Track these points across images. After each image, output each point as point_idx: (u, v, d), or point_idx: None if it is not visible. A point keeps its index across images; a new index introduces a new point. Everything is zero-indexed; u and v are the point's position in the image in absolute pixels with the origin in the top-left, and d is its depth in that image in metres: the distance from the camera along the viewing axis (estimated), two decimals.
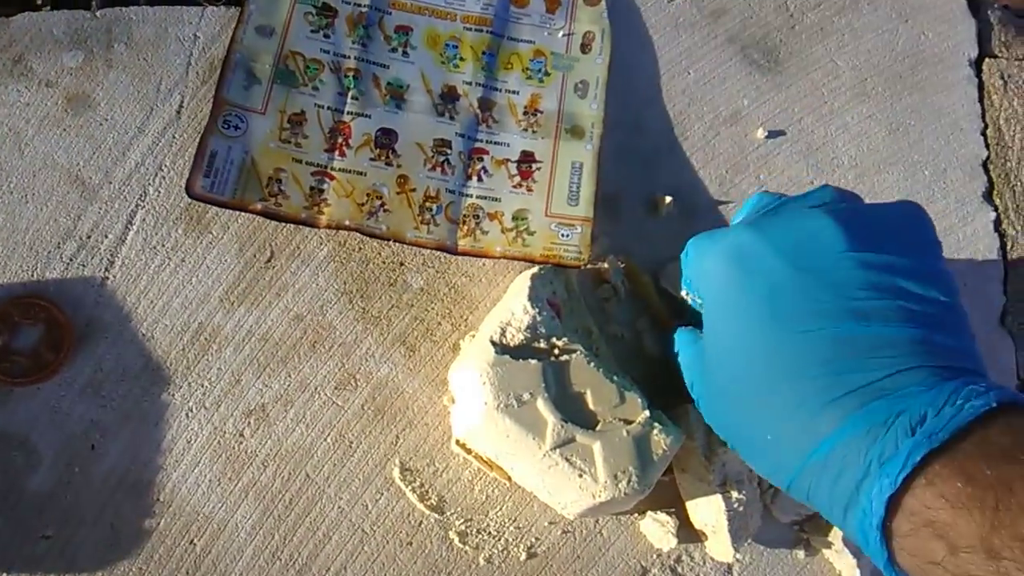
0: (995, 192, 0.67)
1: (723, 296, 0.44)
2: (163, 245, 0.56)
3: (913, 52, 0.69)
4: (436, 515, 0.54)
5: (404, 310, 0.57)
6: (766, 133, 0.65)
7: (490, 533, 0.55)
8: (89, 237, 0.55)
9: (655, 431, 0.50)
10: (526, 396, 0.49)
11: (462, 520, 0.55)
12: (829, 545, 0.56)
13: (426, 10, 0.62)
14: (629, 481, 0.49)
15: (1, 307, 0.53)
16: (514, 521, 0.55)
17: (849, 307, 0.39)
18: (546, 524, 0.55)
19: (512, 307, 0.52)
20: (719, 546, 0.54)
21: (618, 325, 0.59)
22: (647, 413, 0.50)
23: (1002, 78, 0.69)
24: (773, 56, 0.66)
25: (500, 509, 0.55)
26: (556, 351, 0.51)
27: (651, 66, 0.65)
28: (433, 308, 0.58)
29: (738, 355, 0.42)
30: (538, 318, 0.51)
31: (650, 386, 0.56)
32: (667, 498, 0.56)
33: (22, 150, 0.56)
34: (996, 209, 0.66)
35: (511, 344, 0.51)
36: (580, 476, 0.49)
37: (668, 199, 0.61)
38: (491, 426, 0.49)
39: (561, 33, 0.63)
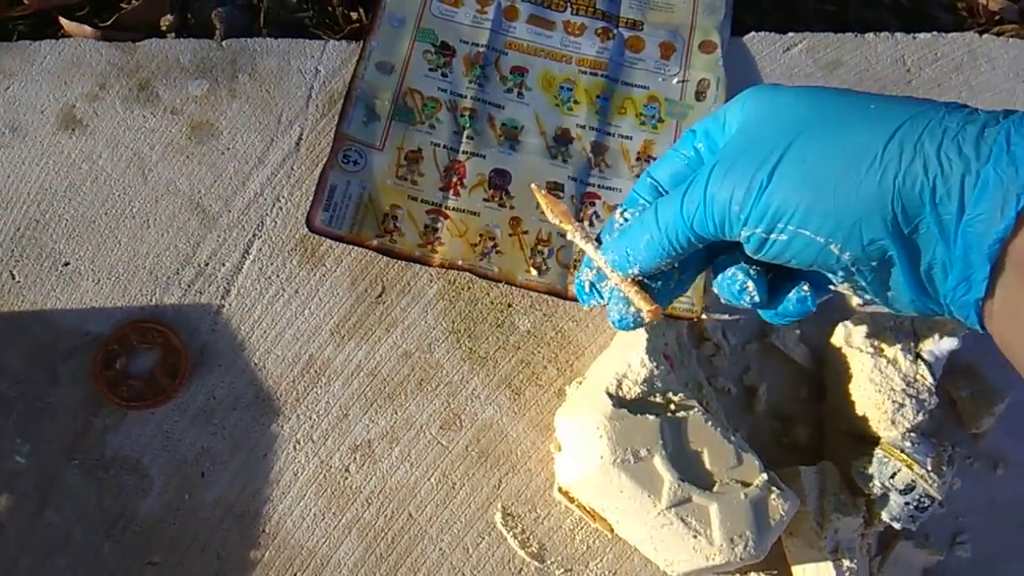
0: None
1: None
2: (278, 276, 0.56)
3: None
4: (537, 563, 0.54)
5: (511, 352, 0.57)
6: None
7: None
8: (207, 264, 0.56)
9: (773, 495, 0.49)
10: (643, 452, 0.48)
11: (563, 570, 0.54)
12: None
13: (542, 52, 0.62)
14: (746, 546, 0.48)
15: (120, 331, 0.54)
16: (614, 574, 0.54)
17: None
18: None
19: (629, 359, 0.51)
20: None
21: (725, 380, 0.58)
22: (764, 476, 0.49)
23: None
24: None
25: (600, 561, 0.54)
26: (672, 406, 0.51)
27: None
28: (540, 352, 0.57)
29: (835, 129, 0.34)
30: (655, 372, 0.51)
31: (757, 445, 0.55)
32: (770, 561, 0.54)
33: (146, 175, 0.57)
34: None
35: (627, 397, 0.51)
36: (695, 537, 0.48)
37: None
38: (606, 480, 0.49)
39: (676, 79, 0.63)
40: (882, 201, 0.32)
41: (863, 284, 0.36)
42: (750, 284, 0.39)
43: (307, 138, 0.59)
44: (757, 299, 0.40)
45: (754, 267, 0.40)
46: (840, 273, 0.35)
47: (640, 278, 0.41)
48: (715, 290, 0.41)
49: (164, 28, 0.62)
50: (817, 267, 0.35)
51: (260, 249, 0.56)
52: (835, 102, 0.35)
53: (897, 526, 0.51)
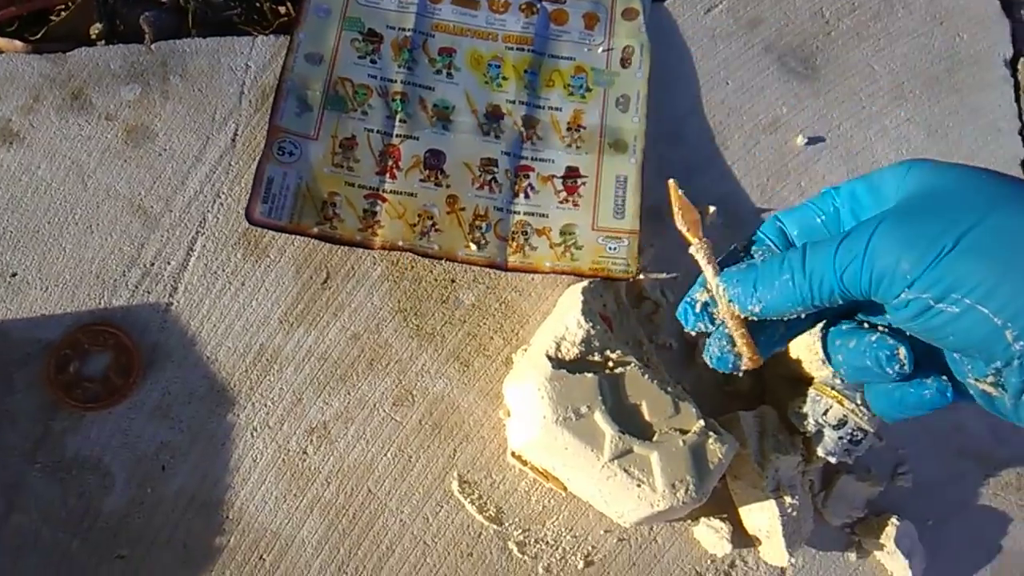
0: None
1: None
2: (223, 270, 0.58)
3: (949, 54, 0.69)
4: (495, 526, 0.56)
5: (457, 326, 0.59)
6: (806, 140, 0.65)
7: (548, 542, 0.56)
8: (153, 264, 0.57)
9: (710, 440, 0.51)
10: (584, 409, 0.50)
11: (520, 530, 0.56)
12: (880, 547, 0.57)
13: (468, 31, 0.64)
14: (687, 490, 0.50)
15: (72, 335, 0.55)
16: (571, 530, 0.56)
17: None
18: (602, 532, 0.57)
19: (566, 321, 0.53)
20: (773, 550, 0.55)
21: (666, 336, 0.60)
22: (702, 423, 0.51)
23: None
24: (810, 63, 0.67)
25: (557, 519, 0.56)
26: (610, 363, 0.53)
27: (690, 78, 0.66)
28: (485, 323, 0.59)
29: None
30: (592, 331, 0.53)
31: (700, 395, 0.57)
32: (720, 505, 0.57)
33: (85, 182, 0.58)
34: None
35: (566, 358, 0.52)
36: (638, 486, 0.50)
37: (712, 209, 0.62)
38: (550, 439, 0.51)
39: (601, 49, 0.64)
40: None
41: (1008, 383, 0.33)
42: (901, 351, 0.35)
43: (242, 133, 0.60)
44: (907, 369, 0.35)
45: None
46: (996, 363, 0.32)
47: (748, 320, 0.38)
48: (831, 354, 0.38)
49: (94, 36, 0.63)
50: (974, 352, 0.33)
51: (204, 245, 0.58)
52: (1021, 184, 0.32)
53: (833, 460, 0.53)
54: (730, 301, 0.37)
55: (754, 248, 0.40)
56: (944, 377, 0.36)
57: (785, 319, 0.37)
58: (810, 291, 0.35)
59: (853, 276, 0.33)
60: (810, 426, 0.53)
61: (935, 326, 0.32)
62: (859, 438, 0.53)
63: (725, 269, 0.38)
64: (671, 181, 0.42)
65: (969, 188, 0.32)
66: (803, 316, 0.37)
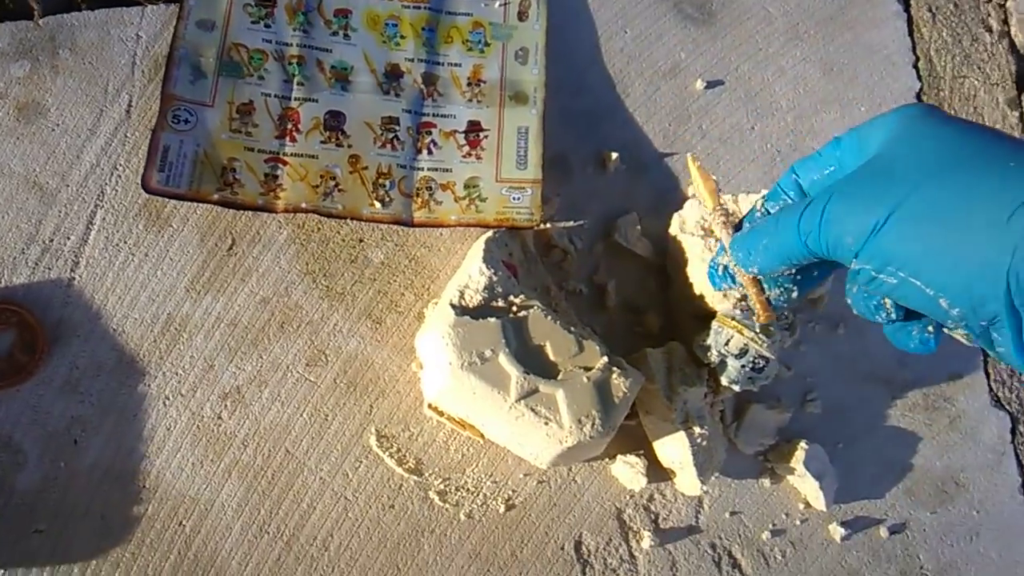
0: None
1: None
2: (125, 242, 0.57)
3: None
4: (415, 477, 0.57)
5: (367, 285, 0.59)
6: (705, 84, 0.66)
7: (468, 489, 0.57)
8: (52, 240, 0.56)
9: (614, 375, 0.52)
10: (488, 353, 0.51)
11: (440, 480, 0.57)
12: (792, 471, 0.59)
13: None
14: (593, 424, 0.51)
15: None
16: (491, 476, 0.57)
17: None
18: (521, 476, 0.58)
19: (469, 271, 0.54)
20: (687, 481, 0.56)
21: (576, 281, 0.61)
22: (605, 359, 0.52)
23: (930, 10, 0.72)
24: (706, 9, 0.68)
25: (476, 466, 0.57)
26: (514, 308, 0.53)
27: (589, 28, 0.66)
28: (395, 280, 0.59)
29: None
30: (494, 278, 0.53)
31: (612, 337, 0.58)
32: (636, 442, 0.58)
33: None
34: None
35: (470, 305, 0.53)
36: (546, 424, 0.51)
37: (615, 155, 0.63)
38: (457, 385, 0.51)
39: (498, 3, 0.65)
40: (996, 270, 0.30)
41: (973, 335, 0.34)
42: (888, 301, 0.37)
43: (137, 104, 0.59)
44: (894, 316, 0.37)
45: None
46: (949, 322, 0.34)
47: (759, 278, 0.41)
48: (848, 300, 0.39)
49: None
50: (926, 312, 0.34)
51: (104, 219, 0.57)
52: (975, 150, 0.32)
53: (737, 388, 0.55)
54: (735, 264, 0.41)
55: (769, 203, 0.41)
56: (930, 327, 0.37)
57: (785, 273, 0.40)
58: (784, 254, 0.37)
59: (815, 244, 0.35)
60: (714, 357, 0.55)
61: (885, 292, 0.34)
62: (761, 365, 0.54)
63: (736, 233, 0.42)
64: (689, 155, 0.47)
65: (912, 154, 0.33)
66: (815, 272, 0.40)
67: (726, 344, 0.54)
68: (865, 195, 0.33)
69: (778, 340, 0.56)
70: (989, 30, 0.71)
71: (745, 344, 0.54)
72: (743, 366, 0.54)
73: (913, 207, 0.32)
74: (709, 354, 0.55)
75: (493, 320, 0.52)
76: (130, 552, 0.53)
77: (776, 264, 0.39)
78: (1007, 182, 0.31)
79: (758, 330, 0.54)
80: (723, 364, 0.55)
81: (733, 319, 0.55)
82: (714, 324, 0.55)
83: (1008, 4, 0.72)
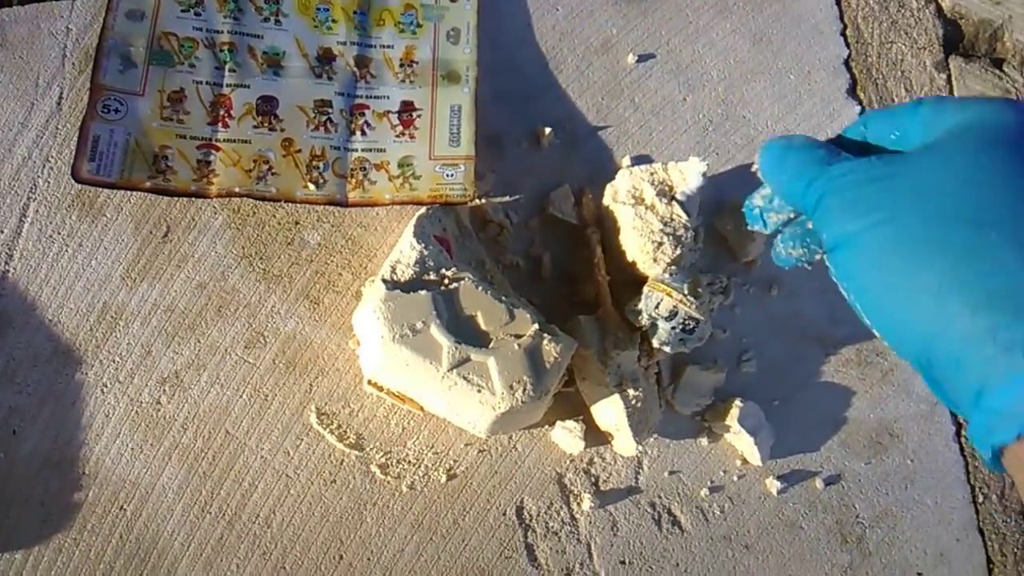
0: (859, 87, 0.70)
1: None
2: (59, 233, 0.57)
3: None
4: (356, 452, 0.57)
5: (304, 266, 0.60)
6: (636, 58, 0.67)
7: (410, 462, 0.58)
8: None
9: (545, 341, 0.53)
10: (419, 324, 0.52)
11: (382, 453, 0.57)
12: (728, 429, 0.59)
13: None
14: (524, 389, 0.51)
15: None
16: (431, 448, 0.58)
17: None
18: (462, 446, 0.58)
19: (401, 246, 0.54)
20: (624, 443, 0.57)
21: (513, 255, 0.62)
22: (536, 326, 0.53)
23: None
24: None
25: (417, 438, 0.58)
26: (446, 281, 0.54)
27: (520, 7, 0.67)
28: (332, 260, 0.60)
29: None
30: (425, 252, 0.54)
31: (549, 307, 0.59)
32: (575, 408, 0.59)
33: None
34: (861, 103, 0.70)
35: (401, 280, 0.54)
36: (479, 391, 0.51)
37: (548, 131, 0.64)
38: (391, 358, 0.52)
39: None
40: (918, 340, 0.30)
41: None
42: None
43: (68, 96, 0.60)
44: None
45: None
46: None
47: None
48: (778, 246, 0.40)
49: None
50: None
51: (37, 211, 0.58)
52: (959, 190, 0.30)
53: (668, 350, 0.56)
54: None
55: (845, 135, 0.38)
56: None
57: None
58: (789, 194, 0.36)
59: (810, 214, 0.35)
60: (644, 320, 0.56)
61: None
62: (691, 327, 0.55)
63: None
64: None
65: (907, 173, 0.32)
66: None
67: (656, 307, 0.55)
68: (854, 210, 0.32)
69: (707, 302, 0.57)
70: None
71: (675, 306, 0.55)
72: (673, 328, 0.55)
73: (877, 234, 0.31)
74: (640, 318, 0.56)
75: (424, 293, 0.53)
76: (72, 538, 0.54)
77: (783, 187, 0.36)
78: (948, 249, 0.29)
79: (686, 292, 0.55)
80: (654, 327, 0.56)
81: (663, 283, 0.56)
82: (645, 289, 0.56)
83: None
